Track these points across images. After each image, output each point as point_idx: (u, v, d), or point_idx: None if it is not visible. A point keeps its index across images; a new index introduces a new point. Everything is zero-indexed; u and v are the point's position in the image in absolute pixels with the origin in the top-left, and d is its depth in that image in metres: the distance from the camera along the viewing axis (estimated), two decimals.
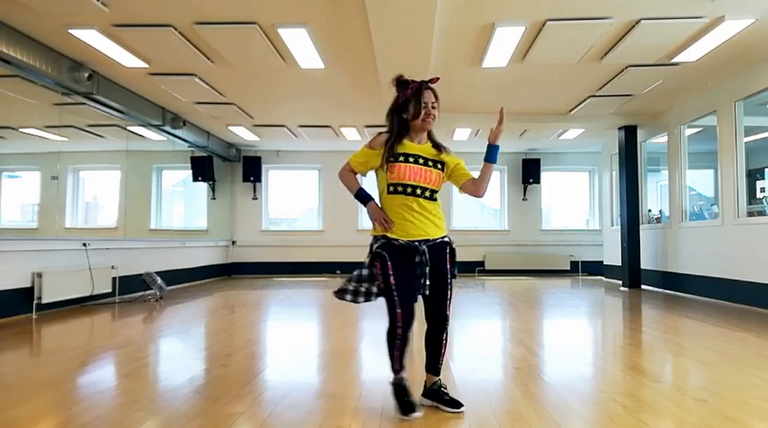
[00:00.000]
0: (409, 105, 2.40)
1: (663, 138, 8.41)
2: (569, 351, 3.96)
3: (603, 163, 10.69)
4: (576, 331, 5.06)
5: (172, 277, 8.23)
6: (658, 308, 6.29)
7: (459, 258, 2.50)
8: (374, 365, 3.45)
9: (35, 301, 5.54)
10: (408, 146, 2.44)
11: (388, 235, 2.40)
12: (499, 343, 4.28)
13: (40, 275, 5.58)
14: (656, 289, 8.47)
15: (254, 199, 11.77)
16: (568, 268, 11.56)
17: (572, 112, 8.26)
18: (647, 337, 4.51)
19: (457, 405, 2.44)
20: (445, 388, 2.51)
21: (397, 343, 2.38)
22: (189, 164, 10.97)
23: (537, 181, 11.62)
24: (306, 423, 2.30)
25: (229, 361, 3.50)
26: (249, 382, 2.97)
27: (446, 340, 2.49)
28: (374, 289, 2.47)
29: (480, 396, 2.71)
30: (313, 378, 3.17)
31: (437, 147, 2.49)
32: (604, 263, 10.59)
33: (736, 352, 3.75)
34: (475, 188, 2.48)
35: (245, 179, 11.48)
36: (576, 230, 11.99)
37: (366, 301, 2.50)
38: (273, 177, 12.10)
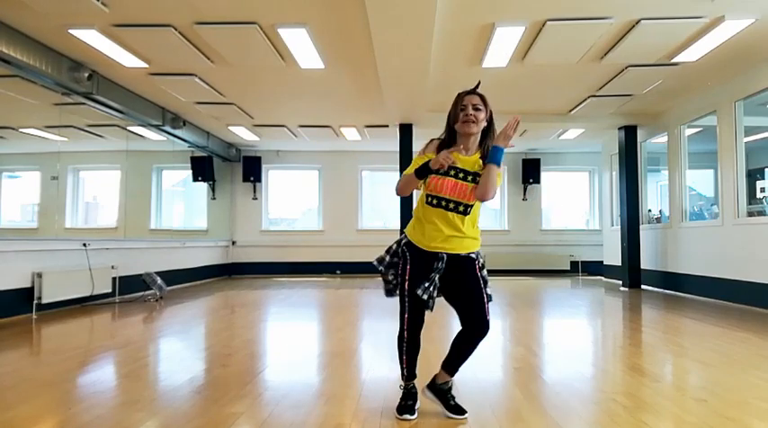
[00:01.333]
0: (452, 111, 2.38)
1: (663, 138, 8.41)
2: (569, 351, 3.96)
3: (603, 163, 10.69)
4: (576, 331, 5.06)
5: (172, 277, 8.23)
6: (658, 308, 6.29)
7: None
8: (374, 365, 3.45)
9: (35, 301, 5.54)
10: (454, 157, 2.34)
11: (412, 240, 2.38)
12: (499, 343, 4.27)
13: (40, 275, 5.58)
14: (656, 289, 8.47)
15: (254, 199, 11.77)
16: (568, 268, 11.56)
17: (572, 112, 8.25)
18: (647, 337, 4.51)
19: (460, 411, 2.38)
20: (453, 392, 2.45)
21: (404, 348, 2.38)
22: (189, 164, 10.97)
23: (537, 181, 11.63)
24: (306, 423, 2.30)
25: (229, 361, 3.50)
26: (249, 382, 2.97)
27: (476, 348, 2.37)
28: (393, 282, 2.47)
29: (480, 396, 2.71)
30: (313, 378, 3.17)
31: (485, 158, 2.35)
32: (604, 263, 10.59)
33: (737, 352, 3.75)
34: (478, 192, 2.33)
35: (245, 179, 11.49)
36: (575, 230, 11.99)
37: (384, 277, 2.50)
38: (273, 177, 12.10)
